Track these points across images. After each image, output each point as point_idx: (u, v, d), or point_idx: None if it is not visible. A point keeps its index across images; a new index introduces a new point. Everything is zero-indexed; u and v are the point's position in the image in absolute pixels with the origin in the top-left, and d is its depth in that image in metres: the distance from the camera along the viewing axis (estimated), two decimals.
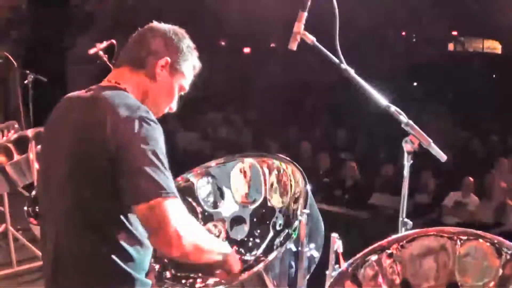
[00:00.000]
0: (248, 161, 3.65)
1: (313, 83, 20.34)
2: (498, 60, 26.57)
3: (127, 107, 2.64)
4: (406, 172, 3.07)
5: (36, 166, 6.07)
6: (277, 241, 3.31)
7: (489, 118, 17.18)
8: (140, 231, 2.72)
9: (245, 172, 3.65)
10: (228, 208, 3.62)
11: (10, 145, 6.49)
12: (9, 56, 7.99)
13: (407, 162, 3.06)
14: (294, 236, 2.93)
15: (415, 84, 24.11)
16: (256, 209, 3.57)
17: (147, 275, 2.87)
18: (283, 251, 2.91)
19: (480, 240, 2.73)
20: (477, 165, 12.52)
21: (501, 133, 15.43)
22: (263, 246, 3.40)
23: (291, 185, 3.43)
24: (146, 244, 2.76)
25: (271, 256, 2.91)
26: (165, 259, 3.27)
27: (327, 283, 3.04)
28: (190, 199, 3.61)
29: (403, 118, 3.03)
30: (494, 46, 29.27)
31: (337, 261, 3.03)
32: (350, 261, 2.86)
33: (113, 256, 2.67)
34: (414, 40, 27.91)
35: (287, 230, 3.25)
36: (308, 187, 3.13)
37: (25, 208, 6.57)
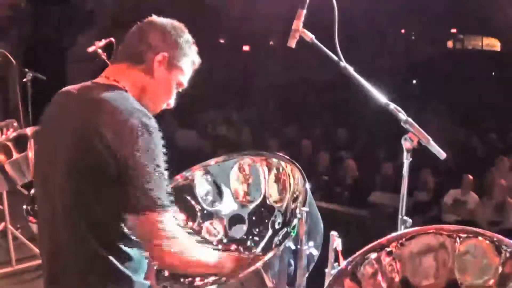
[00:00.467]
0: (247, 159, 3.65)
1: (313, 81, 20.37)
2: (497, 57, 26.59)
3: (128, 112, 2.61)
4: (405, 170, 3.07)
5: None
6: (276, 239, 3.31)
7: (489, 116, 17.19)
8: None
9: (244, 171, 3.64)
10: (227, 206, 3.62)
11: (9, 144, 6.47)
12: (8, 55, 7.97)
13: (406, 160, 3.06)
14: (293, 234, 2.93)
15: (414, 82, 24.12)
16: (255, 208, 3.56)
17: (146, 276, 2.87)
18: (282, 249, 2.90)
19: (480, 238, 2.72)
20: (477, 163, 12.53)
21: (500, 131, 15.43)
22: (262, 244, 3.40)
23: (290, 183, 3.42)
24: None
25: (270, 255, 2.91)
26: None
27: (327, 281, 3.04)
28: (189, 198, 3.61)
29: (402, 116, 3.03)
30: (493, 44, 29.31)
31: (337, 259, 3.02)
32: (350, 259, 2.86)
33: (111, 257, 2.67)
34: (413, 38, 27.94)
35: (286, 229, 3.25)
36: (307, 185, 3.12)
37: (24, 206, 6.57)
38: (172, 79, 2.93)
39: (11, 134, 6.67)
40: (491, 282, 2.66)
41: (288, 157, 3.50)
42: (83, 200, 2.64)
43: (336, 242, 3.04)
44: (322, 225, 3.27)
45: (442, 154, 3.03)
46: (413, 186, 10.91)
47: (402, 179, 3.08)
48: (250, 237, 3.49)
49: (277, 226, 3.40)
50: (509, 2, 19.59)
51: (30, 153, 6.00)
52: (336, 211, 9.46)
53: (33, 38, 17.19)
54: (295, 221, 2.95)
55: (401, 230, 3.03)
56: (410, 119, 3.02)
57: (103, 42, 4.86)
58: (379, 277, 2.83)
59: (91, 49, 4.43)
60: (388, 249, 2.83)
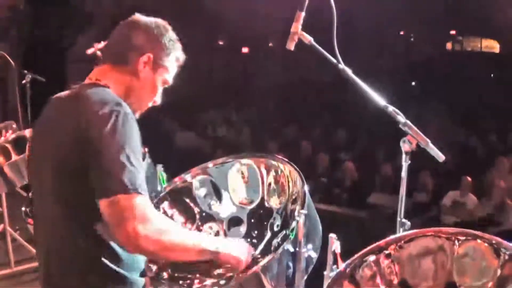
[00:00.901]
0: (246, 161, 3.65)
1: (312, 82, 20.39)
2: (496, 59, 26.61)
3: (101, 101, 2.61)
4: (404, 172, 3.07)
5: None
6: (275, 242, 3.30)
7: (488, 117, 17.19)
8: None
9: (242, 173, 3.64)
10: (225, 208, 3.61)
11: (8, 145, 6.47)
12: (7, 56, 7.97)
13: (405, 162, 3.06)
14: (291, 236, 2.92)
15: (413, 83, 24.14)
16: (253, 210, 3.56)
17: (142, 274, 2.86)
18: (281, 252, 2.90)
19: (478, 241, 2.72)
20: (476, 165, 12.53)
21: (500, 132, 15.44)
22: (261, 247, 3.39)
23: (288, 185, 3.42)
24: None
25: (268, 257, 2.91)
26: (162, 260, 3.26)
27: (325, 284, 3.03)
28: (187, 200, 3.61)
29: (401, 118, 3.03)
30: (492, 45, 29.33)
31: (335, 262, 3.02)
32: (348, 261, 2.86)
33: (102, 256, 2.66)
34: (412, 39, 27.96)
35: (284, 231, 3.24)
36: (306, 187, 3.12)
37: (23, 208, 6.56)
38: (157, 79, 2.92)
39: (10, 135, 6.67)
40: (490, 284, 2.66)
41: (286, 159, 3.50)
42: (69, 201, 2.64)
43: (335, 244, 3.04)
44: (320, 227, 3.27)
45: (441, 157, 3.03)
46: (412, 188, 10.92)
47: (401, 181, 3.08)
48: (249, 239, 3.49)
49: (275, 229, 3.40)
50: (508, 4, 19.60)
51: None
52: (335, 213, 9.48)
53: (32, 39, 17.19)
54: (294, 224, 2.95)
55: (400, 233, 3.03)
56: (408, 122, 3.02)
57: (102, 44, 4.88)
58: (378, 280, 2.83)
59: (90, 51, 4.44)
60: (386, 252, 2.84)
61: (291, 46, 3.14)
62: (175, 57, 2.96)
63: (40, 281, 2.88)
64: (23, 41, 17.00)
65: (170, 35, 2.95)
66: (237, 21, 18.21)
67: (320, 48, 3.08)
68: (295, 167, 3.37)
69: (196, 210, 3.59)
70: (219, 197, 3.65)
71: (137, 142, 2.60)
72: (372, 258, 2.84)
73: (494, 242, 2.68)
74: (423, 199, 11.22)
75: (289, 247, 2.92)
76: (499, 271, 2.65)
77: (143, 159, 4.33)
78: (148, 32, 2.88)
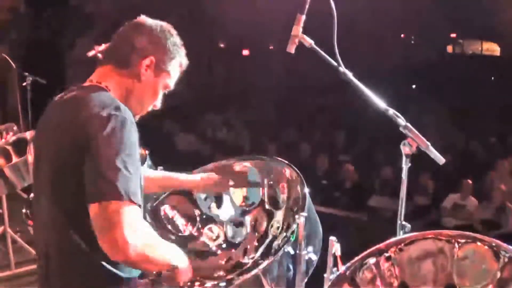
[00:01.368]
0: (247, 164, 3.65)
1: (312, 85, 20.37)
2: (496, 62, 26.61)
3: (100, 104, 2.58)
4: (404, 175, 3.08)
5: None
6: (275, 244, 3.31)
7: (488, 120, 17.19)
8: None
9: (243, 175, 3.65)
10: (226, 211, 3.62)
11: (9, 147, 6.48)
12: (8, 58, 7.98)
13: (405, 165, 3.07)
14: (292, 239, 2.93)
15: (413, 86, 24.14)
16: (254, 212, 3.57)
17: (141, 275, 2.86)
18: (281, 254, 2.91)
19: (478, 243, 2.73)
20: (476, 167, 12.52)
21: (500, 135, 15.44)
22: (261, 249, 3.40)
23: (289, 188, 3.43)
24: None
25: (269, 260, 2.91)
26: None
27: (325, 286, 3.04)
28: (188, 202, 3.62)
29: (401, 121, 3.03)
30: (492, 48, 29.35)
31: (335, 264, 3.02)
32: (348, 264, 2.87)
33: (102, 259, 2.62)
34: (413, 42, 27.98)
35: (285, 233, 3.25)
36: (306, 190, 3.13)
37: (23, 210, 6.56)
38: (158, 83, 2.87)
39: (11, 138, 6.68)
40: (490, 287, 2.67)
41: (287, 162, 3.51)
42: (67, 203, 2.62)
43: (335, 247, 3.04)
44: (321, 230, 3.27)
45: (441, 160, 3.04)
46: (413, 190, 10.91)
47: (401, 184, 3.09)
48: (249, 241, 3.50)
49: (276, 231, 3.40)
50: (509, 7, 19.62)
51: (30, 157, 6.00)
52: (335, 216, 9.47)
53: (32, 41, 17.20)
54: (294, 226, 2.96)
55: (400, 235, 3.03)
56: (409, 125, 3.02)
57: (103, 46, 4.88)
58: (378, 282, 2.83)
59: (91, 53, 4.43)
60: (387, 254, 2.84)
61: (291, 49, 3.14)
62: (178, 62, 2.92)
63: (39, 282, 2.89)
64: (23, 43, 17.00)
65: (175, 40, 2.90)
66: (238, 24, 18.23)
67: (320, 51, 3.09)
68: (296, 169, 3.37)
69: (197, 212, 3.61)
70: (220, 199, 3.65)
71: (135, 148, 2.57)
72: (372, 260, 2.84)
73: (494, 244, 2.69)
74: (423, 202, 11.21)
75: (289, 249, 2.93)
76: (498, 274, 2.66)
77: (144, 162, 4.34)
78: (152, 35, 2.84)
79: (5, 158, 6.43)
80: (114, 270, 2.68)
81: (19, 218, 7.03)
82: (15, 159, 6.37)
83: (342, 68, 3.09)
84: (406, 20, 22.68)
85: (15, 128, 7.09)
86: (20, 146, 6.39)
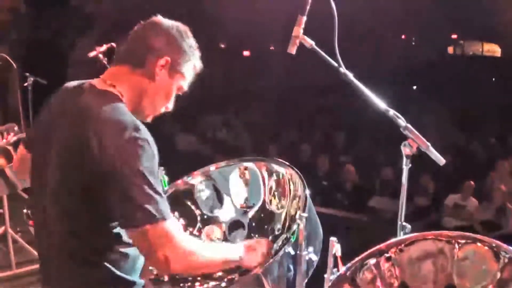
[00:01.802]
0: (247, 165, 3.65)
1: (313, 86, 20.38)
2: (497, 63, 26.60)
3: (119, 125, 2.55)
4: (404, 176, 3.08)
5: None
6: (276, 245, 3.31)
7: (489, 121, 17.19)
8: None
9: (244, 176, 3.65)
10: (227, 212, 3.62)
11: (10, 148, 6.46)
12: (9, 58, 7.97)
13: (405, 166, 3.07)
14: (292, 239, 2.93)
15: (414, 87, 24.13)
16: (254, 213, 3.56)
17: (142, 274, 2.86)
18: (281, 255, 2.91)
19: (478, 244, 2.73)
20: (477, 168, 12.53)
21: (500, 136, 15.44)
22: None
23: (290, 189, 3.43)
24: None
25: (269, 260, 2.91)
26: None
27: (326, 287, 3.04)
28: (189, 203, 3.61)
29: (402, 122, 3.03)
30: (493, 50, 29.35)
31: (336, 265, 3.02)
32: (349, 264, 2.87)
33: (104, 260, 2.66)
34: (413, 43, 27.97)
35: (285, 234, 3.25)
36: (307, 191, 3.13)
37: (24, 210, 6.57)
38: (173, 84, 2.85)
39: (12, 138, 6.66)
40: (490, 287, 2.67)
41: (287, 163, 3.51)
42: (72, 210, 2.62)
43: (335, 247, 3.04)
44: (321, 231, 3.27)
45: (441, 160, 3.04)
46: (413, 191, 10.91)
47: (402, 185, 3.09)
48: None
49: (276, 232, 3.40)
50: (510, 8, 19.61)
51: None
52: (335, 216, 9.46)
53: (33, 41, 17.19)
54: (295, 227, 2.96)
55: (400, 236, 3.04)
56: (409, 125, 3.02)
57: (104, 47, 4.86)
58: (378, 283, 2.84)
59: (92, 54, 4.43)
60: (387, 255, 2.84)
61: (292, 50, 3.14)
62: (193, 64, 2.90)
63: (41, 284, 2.89)
64: (24, 43, 16.99)
65: (191, 42, 2.88)
66: (239, 25, 18.23)
67: (321, 51, 3.09)
68: (296, 170, 3.37)
69: (197, 213, 3.60)
70: (220, 200, 3.65)
71: (156, 167, 2.59)
72: (372, 261, 2.85)
73: (494, 245, 2.69)
74: (423, 202, 11.21)
75: (290, 250, 2.93)
76: (498, 274, 2.66)
77: None
78: (169, 36, 2.81)
79: (6, 158, 6.41)
80: (118, 273, 2.69)
81: (20, 219, 7.04)
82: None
83: (343, 69, 3.10)
84: (407, 21, 22.69)
85: (16, 128, 7.06)
86: None
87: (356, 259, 2.86)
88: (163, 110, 2.95)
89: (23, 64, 11.39)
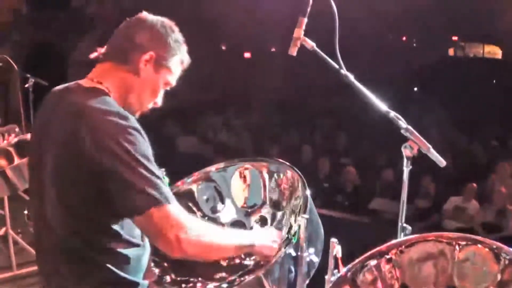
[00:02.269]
0: (248, 166, 3.66)
1: (313, 87, 20.37)
2: (498, 65, 26.58)
3: (106, 117, 2.56)
4: (405, 177, 3.08)
5: None
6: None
7: (489, 123, 17.18)
8: (135, 233, 2.72)
9: (245, 177, 3.65)
10: (228, 212, 3.62)
11: (11, 149, 6.47)
12: (10, 60, 7.97)
13: (406, 168, 3.07)
14: (293, 241, 2.93)
15: (415, 89, 24.12)
16: (255, 214, 3.57)
17: (145, 275, 2.86)
18: (282, 256, 2.91)
19: (479, 246, 2.74)
20: (477, 170, 12.52)
21: (501, 138, 15.43)
22: None
23: (290, 190, 3.43)
24: (143, 245, 2.77)
25: (271, 261, 2.91)
26: (164, 263, 3.28)
27: None
28: (190, 204, 3.61)
29: (402, 123, 3.04)
30: (494, 51, 29.31)
31: (336, 266, 3.03)
32: (349, 266, 2.87)
33: (106, 262, 2.66)
34: (414, 45, 27.96)
35: (286, 235, 3.25)
36: (308, 192, 3.13)
37: (25, 211, 6.58)
38: (159, 79, 2.85)
39: (13, 139, 6.67)
40: None
41: (288, 163, 3.51)
42: (72, 208, 2.62)
43: (336, 249, 3.04)
44: (322, 232, 3.28)
45: (442, 162, 3.04)
46: (414, 193, 10.91)
47: (402, 187, 3.09)
48: None
49: None
50: (510, 10, 19.61)
51: None
52: (336, 218, 9.45)
53: (34, 43, 17.20)
54: (296, 228, 2.96)
55: (401, 237, 3.04)
56: (410, 127, 3.03)
57: (105, 47, 4.87)
58: (379, 284, 2.84)
59: (93, 55, 4.42)
60: (387, 256, 2.85)
61: (293, 51, 3.14)
62: (179, 59, 2.89)
63: (41, 285, 2.89)
64: (25, 44, 17.01)
65: (176, 36, 2.88)
66: (240, 26, 18.22)
67: (322, 53, 3.09)
68: (297, 171, 3.38)
69: (199, 214, 3.60)
70: (221, 201, 3.66)
71: (150, 152, 2.60)
72: (373, 262, 2.85)
73: (494, 247, 2.70)
74: (424, 204, 11.21)
75: (291, 251, 2.93)
76: (499, 276, 2.66)
77: None
78: (152, 31, 2.81)
79: (7, 159, 6.42)
80: (121, 273, 2.69)
81: (20, 220, 7.05)
82: (17, 160, 6.36)
83: (344, 71, 3.10)
84: (408, 23, 22.68)
85: (17, 129, 7.09)
86: (22, 148, 6.38)
87: (357, 260, 2.86)
88: (151, 105, 2.94)
89: (24, 65, 11.39)
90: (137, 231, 2.71)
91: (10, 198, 7.07)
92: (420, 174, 10.93)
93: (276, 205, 3.51)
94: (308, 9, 3.12)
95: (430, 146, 3.02)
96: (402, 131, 3.04)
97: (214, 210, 3.64)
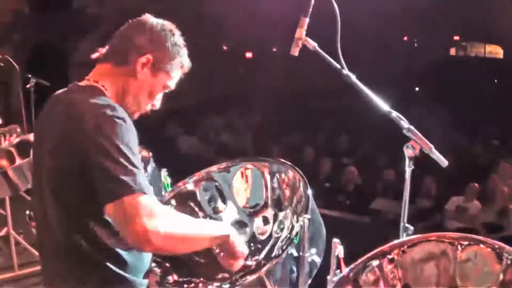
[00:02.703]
0: (250, 166, 3.66)
1: (315, 87, 20.37)
2: (499, 64, 26.55)
3: (95, 107, 2.57)
4: (407, 177, 3.08)
5: None
6: (279, 246, 3.32)
7: (491, 123, 17.18)
8: None
9: (246, 177, 3.65)
10: (229, 212, 3.62)
11: (12, 149, 6.47)
12: (11, 60, 7.98)
13: (408, 168, 3.07)
14: (295, 241, 2.93)
15: (416, 88, 24.11)
16: (257, 214, 3.57)
17: (146, 275, 2.86)
18: (284, 256, 2.91)
19: (481, 246, 2.73)
20: (479, 170, 12.51)
21: (502, 137, 15.43)
22: (265, 251, 3.40)
23: (292, 190, 3.43)
24: None
25: (272, 261, 2.91)
26: (166, 263, 3.28)
27: None
28: (192, 204, 3.62)
29: (404, 123, 3.03)
30: (496, 51, 29.28)
31: (338, 266, 3.02)
32: (352, 266, 2.87)
33: (106, 260, 2.66)
34: (415, 45, 27.94)
35: (288, 235, 3.26)
36: (310, 192, 3.13)
37: (27, 212, 6.58)
38: (156, 82, 2.84)
39: (14, 139, 6.68)
40: None
41: (290, 164, 3.51)
42: (69, 207, 2.63)
43: (338, 249, 3.04)
44: (324, 232, 3.28)
45: (444, 162, 3.03)
46: (416, 193, 10.91)
47: (404, 187, 3.09)
48: (253, 243, 3.50)
49: (279, 233, 3.41)
50: None
51: None
52: (338, 218, 9.46)
53: (36, 43, 17.21)
54: (298, 228, 2.96)
55: (403, 238, 3.04)
56: (412, 127, 3.02)
57: (106, 48, 4.87)
58: (381, 285, 2.83)
59: (94, 55, 4.43)
60: (390, 256, 2.84)
61: (295, 51, 3.14)
62: (179, 63, 2.89)
63: (43, 284, 2.89)
64: (27, 45, 17.02)
65: (176, 40, 2.87)
66: (241, 27, 18.23)
67: (324, 53, 3.09)
68: (299, 171, 3.38)
69: (201, 214, 3.61)
70: (223, 201, 3.66)
71: (134, 144, 2.58)
72: (375, 262, 2.84)
73: (496, 247, 2.69)
74: (426, 204, 11.20)
75: (293, 251, 2.93)
76: (501, 276, 2.66)
77: (147, 164, 4.35)
78: (152, 34, 2.81)
79: (9, 160, 6.43)
80: (121, 272, 2.69)
81: (22, 220, 7.05)
82: (18, 161, 6.37)
83: (346, 71, 3.10)
84: (409, 23, 22.66)
85: (18, 130, 7.10)
86: (23, 148, 6.39)
87: (359, 260, 2.85)
88: (149, 107, 2.94)
89: (26, 66, 11.40)
90: None
91: (11, 198, 7.08)
92: (422, 174, 10.93)
93: (277, 205, 3.51)
94: (310, 9, 3.12)
95: (432, 146, 3.01)
96: (404, 131, 3.03)
97: (215, 210, 3.64)
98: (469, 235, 2.79)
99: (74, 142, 2.53)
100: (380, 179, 12.22)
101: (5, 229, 7.28)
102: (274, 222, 3.47)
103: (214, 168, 3.72)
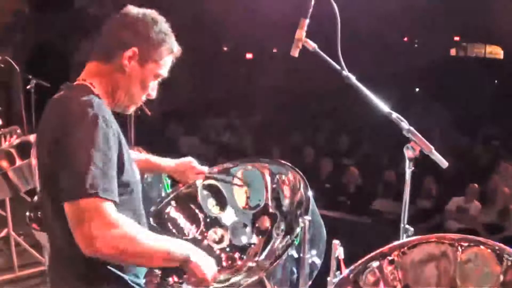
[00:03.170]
0: (250, 166, 3.66)
1: (316, 88, 20.36)
2: (500, 65, 26.57)
3: (76, 104, 2.57)
4: (407, 178, 3.08)
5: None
6: (279, 247, 3.31)
7: (491, 123, 17.17)
8: None
9: (247, 178, 3.65)
10: (230, 213, 3.63)
11: (13, 150, 6.48)
12: (12, 61, 7.98)
13: (408, 169, 3.07)
14: (296, 242, 2.93)
15: (417, 89, 24.12)
16: (257, 215, 3.57)
17: (146, 277, 2.86)
18: (285, 258, 2.91)
19: (481, 247, 2.73)
20: (479, 170, 12.51)
21: (503, 138, 15.42)
22: (265, 252, 3.40)
23: (293, 191, 3.43)
24: None
25: (272, 263, 2.91)
26: None
27: None
28: (192, 205, 3.62)
29: (405, 125, 3.03)
30: (496, 52, 29.30)
31: (339, 268, 3.02)
32: (352, 267, 2.86)
33: (106, 264, 2.65)
34: (416, 45, 27.96)
35: (288, 236, 3.25)
36: (310, 193, 3.13)
37: (27, 213, 6.57)
38: (146, 73, 2.83)
39: (15, 141, 6.69)
40: None
41: (290, 165, 3.51)
42: (61, 207, 2.56)
43: (338, 250, 3.03)
44: (324, 233, 3.28)
45: (444, 163, 3.03)
46: (417, 194, 10.90)
47: (405, 188, 3.09)
48: (253, 244, 3.50)
49: (279, 234, 3.41)
50: None
51: (34, 160, 6.01)
52: (338, 219, 9.45)
53: (36, 44, 17.20)
54: (298, 229, 2.96)
55: (403, 239, 3.04)
56: (412, 128, 3.02)
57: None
58: (381, 286, 2.83)
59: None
60: (390, 258, 2.83)
61: (295, 52, 3.14)
62: (166, 49, 2.87)
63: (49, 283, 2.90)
64: (28, 46, 17.01)
65: (160, 27, 2.85)
66: (241, 27, 18.22)
67: (324, 54, 3.09)
68: (299, 172, 3.38)
69: (201, 215, 3.61)
70: (223, 202, 3.66)
71: (106, 145, 2.53)
72: (375, 264, 2.84)
73: (497, 248, 2.69)
74: (426, 205, 11.20)
75: (293, 252, 2.93)
76: (501, 277, 2.65)
77: None
78: (134, 26, 2.80)
79: (9, 161, 6.43)
80: (117, 272, 2.68)
81: (22, 221, 7.03)
82: (19, 162, 6.37)
83: (346, 72, 3.10)
84: (409, 23, 22.66)
85: (19, 131, 7.10)
86: (24, 149, 6.39)
87: (359, 262, 2.85)
88: (144, 98, 2.93)
89: (26, 67, 11.40)
90: None
91: (12, 199, 7.08)
92: (422, 174, 10.92)
93: (278, 206, 3.51)
94: (310, 10, 3.12)
95: (432, 147, 3.01)
96: (404, 132, 3.03)
97: (216, 211, 3.65)
98: (470, 236, 2.79)
99: (53, 139, 2.54)
100: (381, 180, 12.22)
101: (5, 230, 7.28)
102: (274, 223, 3.47)
103: (214, 168, 3.72)
